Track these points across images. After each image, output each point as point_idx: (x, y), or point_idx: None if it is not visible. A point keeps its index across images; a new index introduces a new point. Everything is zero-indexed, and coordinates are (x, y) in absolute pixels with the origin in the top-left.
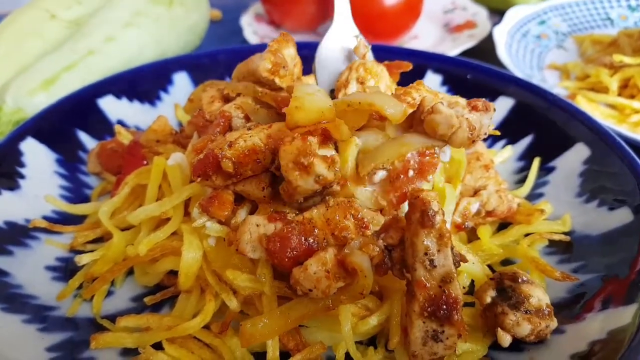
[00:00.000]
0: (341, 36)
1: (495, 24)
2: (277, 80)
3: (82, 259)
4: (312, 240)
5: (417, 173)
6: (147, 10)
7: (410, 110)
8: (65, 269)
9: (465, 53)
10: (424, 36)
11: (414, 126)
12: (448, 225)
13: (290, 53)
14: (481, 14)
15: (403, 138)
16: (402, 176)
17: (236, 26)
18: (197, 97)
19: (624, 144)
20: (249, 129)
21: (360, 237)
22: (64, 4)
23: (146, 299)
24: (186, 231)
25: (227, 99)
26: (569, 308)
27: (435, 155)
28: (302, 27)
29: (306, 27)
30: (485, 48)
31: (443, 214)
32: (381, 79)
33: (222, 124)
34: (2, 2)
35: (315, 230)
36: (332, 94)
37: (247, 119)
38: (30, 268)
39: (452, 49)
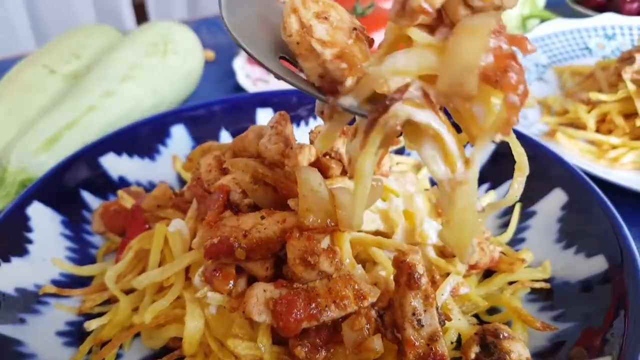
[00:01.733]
0: None
1: None
2: (286, 161)
3: (91, 325)
4: (313, 306)
5: None
6: (143, 63)
7: None
8: (75, 333)
9: None
10: None
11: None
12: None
13: (291, 130)
14: None
15: None
16: None
17: (229, 66)
18: (196, 156)
19: (599, 191)
20: (262, 217)
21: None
22: (63, 59)
23: None
24: (188, 300)
25: (225, 170)
26: (549, 357)
27: None
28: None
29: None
30: None
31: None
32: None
33: (221, 198)
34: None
35: (319, 299)
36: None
37: (245, 194)
38: (42, 335)
39: None
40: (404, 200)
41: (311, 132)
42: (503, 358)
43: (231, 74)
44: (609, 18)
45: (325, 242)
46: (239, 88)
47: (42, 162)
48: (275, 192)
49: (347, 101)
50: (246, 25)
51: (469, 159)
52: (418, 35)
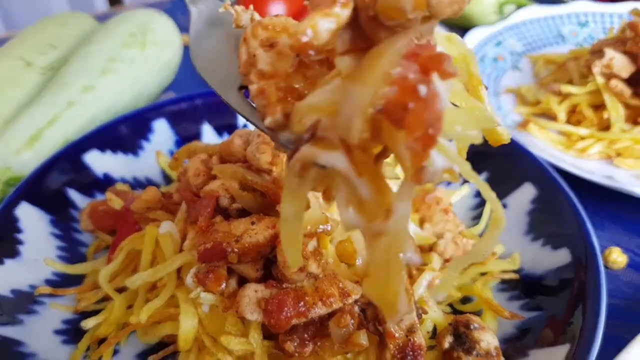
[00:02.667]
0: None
1: None
2: (274, 168)
3: (87, 323)
4: (302, 304)
5: None
6: (121, 55)
7: None
8: (72, 332)
9: None
10: None
11: None
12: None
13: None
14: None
15: None
16: None
17: None
18: (182, 155)
19: (566, 187)
20: (253, 222)
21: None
22: (39, 50)
23: (150, 358)
24: (182, 300)
25: (213, 175)
26: (516, 343)
27: None
28: None
29: None
30: None
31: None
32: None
33: (210, 205)
34: None
35: (306, 297)
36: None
37: (233, 199)
38: (41, 334)
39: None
40: None
41: None
42: (473, 347)
43: None
44: (583, 5)
45: (311, 245)
46: None
47: (26, 161)
48: (264, 197)
49: (284, 136)
50: (211, 57)
51: (389, 209)
52: (341, 63)
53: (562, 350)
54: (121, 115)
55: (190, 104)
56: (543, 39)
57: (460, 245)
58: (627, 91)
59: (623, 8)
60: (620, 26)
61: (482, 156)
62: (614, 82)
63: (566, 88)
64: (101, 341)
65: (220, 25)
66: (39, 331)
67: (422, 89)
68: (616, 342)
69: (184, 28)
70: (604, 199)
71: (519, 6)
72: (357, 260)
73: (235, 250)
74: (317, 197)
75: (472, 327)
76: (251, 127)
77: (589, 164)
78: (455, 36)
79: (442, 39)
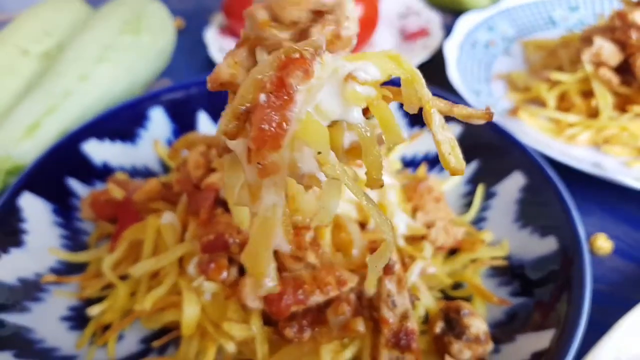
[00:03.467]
0: None
1: (447, 27)
2: None
3: (93, 311)
4: (301, 292)
5: None
6: (116, 43)
7: None
8: (77, 318)
9: (419, 67)
10: (379, 44)
11: None
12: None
13: None
14: (434, 22)
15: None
16: None
17: (200, 36)
18: (180, 146)
19: (553, 176)
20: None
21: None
22: (34, 38)
23: (154, 343)
24: (185, 288)
25: (212, 168)
26: (504, 328)
27: None
28: None
29: None
30: (439, 61)
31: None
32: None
33: (211, 197)
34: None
35: (305, 286)
36: None
37: None
38: (48, 321)
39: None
40: (378, 193)
41: None
42: (463, 332)
43: (202, 44)
44: None
45: (309, 235)
46: (212, 62)
47: (26, 150)
48: None
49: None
50: None
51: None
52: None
53: (548, 334)
54: (118, 105)
55: (185, 92)
56: (534, 24)
57: (451, 233)
58: (615, 79)
59: None
60: (610, 15)
61: (473, 145)
62: (603, 71)
63: (556, 76)
64: (106, 327)
65: None
66: (45, 318)
67: (262, 97)
68: (600, 326)
69: (176, 12)
70: (591, 186)
71: None
72: (353, 250)
73: (237, 241)
74: (314, 190)
75: (462, 313)
76: None
77: (578, 150)
78: (399, 56)
79: (386, 60)
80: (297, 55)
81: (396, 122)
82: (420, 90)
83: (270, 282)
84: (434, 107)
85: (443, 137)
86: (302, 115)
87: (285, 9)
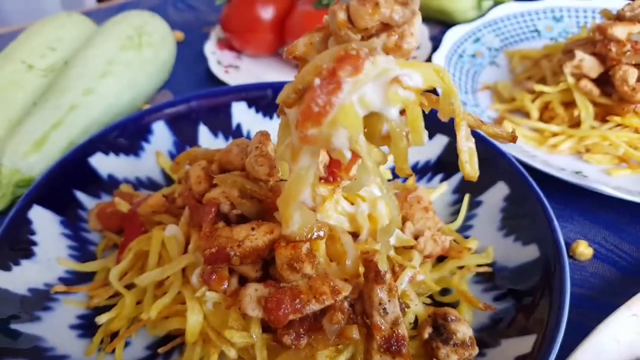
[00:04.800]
0: None
1: (434, 39)
2: (271, 178)
3: (101, 319)
4: (298, 302)
5: None
6: (119, 58)
7: None
8: (86, 326)
9: None
10: None
11: None
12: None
13: (272, 148)
14: (422, 34)
15: None
16: None
17: (199, 48)
18: (183, 160)
19: (535, 186)
20: (253, 228)
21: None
22: (39, 53)
23: (159, 349)
24: (188, 297)
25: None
26: (489, 332)
27: None
28: (262, 52)
29: (266, 51)
30: None
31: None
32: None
33: (212, 212)
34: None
35: (301, 295)
36: None
37: (233, 206)
38: (58, 330)
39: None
40: (369, 205)
41: None
42: (450, 337)
43: (202, 57)
44: (558, 0)
45: (305, 247)
46: (210, 74)
47: (34, 163)
48: (261, 204)
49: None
50: None
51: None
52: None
53: (530, 339)
54: (122, 119)
55: (186, 106)
56: (520, 34)
57: (439, 242)
58: (595, 91)
59: (597, 3)
60: (591, 27)
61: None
62: (584, 82)
63: (539, 87)
64: (114, 335)
65: None
66: (55, 327)
67: (316, 81)
68: (582, 329)
69: (175, 25)
70: (572, 194)
71: (497, 2)
72: (347, 261)
73: (238, 254)
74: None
75: (449, 319)
76: (240, 116)
77: (560, 159)
78: (445, 72)
79: (431, 72)
80: (354, 52)
81: (423, 127)
82: (456, 103)
83: (294, 226)
84: (465, 120)
85: (465, 147)
86: (346, 102)
87: (362, 18)
